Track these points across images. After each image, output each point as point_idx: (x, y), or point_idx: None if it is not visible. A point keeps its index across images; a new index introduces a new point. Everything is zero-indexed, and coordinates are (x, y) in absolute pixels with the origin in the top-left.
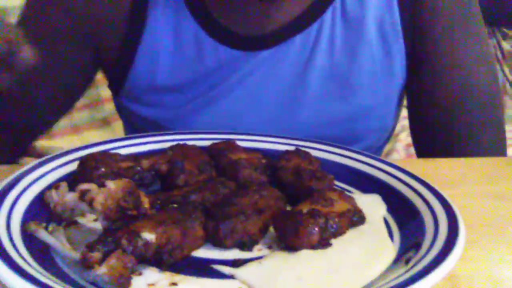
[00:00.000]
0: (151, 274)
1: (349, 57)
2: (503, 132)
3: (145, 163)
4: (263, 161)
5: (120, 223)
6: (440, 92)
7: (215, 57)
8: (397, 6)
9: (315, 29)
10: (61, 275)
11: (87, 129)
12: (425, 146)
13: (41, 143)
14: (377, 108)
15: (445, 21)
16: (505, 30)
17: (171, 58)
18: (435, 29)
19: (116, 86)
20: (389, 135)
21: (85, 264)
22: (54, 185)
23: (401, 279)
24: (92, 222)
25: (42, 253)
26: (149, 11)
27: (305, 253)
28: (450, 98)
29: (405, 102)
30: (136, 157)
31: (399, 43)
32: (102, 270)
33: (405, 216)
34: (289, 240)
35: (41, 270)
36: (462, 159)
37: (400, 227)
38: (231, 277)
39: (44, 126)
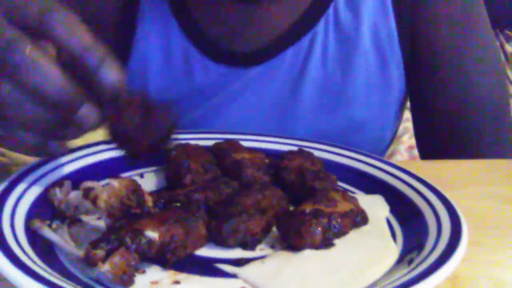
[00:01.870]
0: (154, 272)
1: (343, 69)
2: (509, 138)
3: None
4: (266, 161)
5: (124, 221)
6: (442, 100)
7: (205, 73)
8: (393, 14)
9: (307, 41)
10: (64, 272)
11: None
12: (429, 150)
13: None
14: (372, 120)
15: (447, 28)
16: (508, 32)
17: (161, 74)
18: (436, 36)
19: None
20: (388, 145)
21: (89, 261)
22: (58, 183)
23: (404, 279)
24: (95, 220)
25: (45, 250)
26: (137, 23)
27: (307, 253)
28: (453, 107)
29: (408, 104)
30: None
31: (395, 53)
32: (105, 268)
33: (408, 217)
34: (291, 240)
35: (45, 267)
36: (465, 161)
37: (403, 228)
38: (233, 276)
39: None
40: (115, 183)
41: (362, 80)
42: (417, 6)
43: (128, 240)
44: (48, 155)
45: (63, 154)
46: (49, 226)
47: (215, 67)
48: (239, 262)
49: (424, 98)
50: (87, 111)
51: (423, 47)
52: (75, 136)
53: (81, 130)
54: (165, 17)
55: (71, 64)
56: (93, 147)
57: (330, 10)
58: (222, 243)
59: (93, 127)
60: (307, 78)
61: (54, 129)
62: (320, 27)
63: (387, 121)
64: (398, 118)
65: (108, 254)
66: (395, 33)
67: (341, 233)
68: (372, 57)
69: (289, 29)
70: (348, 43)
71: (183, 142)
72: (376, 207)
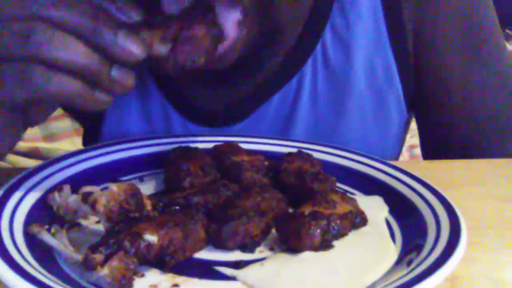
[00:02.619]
0: (153, 276)
1: (336, 110)
2: None
3: None
4: (265, 163)
5: (123, 225)
6: (448, 111)
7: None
8: (390, 47)
9: (295, 83)
10: (63, 277)
11: None
12: (433, 157)
13: (44, 145)
14: (370, 152)
15: (454, 51)
16: (508, 31)
17: (140, 132)
18: (443, 63)
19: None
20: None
21: (88, 265)
22: (57, 188)
23: (403, 280)
24: (94, 224)
25: (44, 254)
26: None
27: (307, 255)
28: (462, 124)
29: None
30: None
31: (394, 87)
32: (104, 272)
33: (407, 218)
34: (291, 242)
35: (44, 271)
36: (465, 161)
37: (402, 229)
38: (233, 278)
39: None
40: (114, 187)
41: (357, 119)
42: (420, 34)
43: (127, 244)
44: (93, 105)
45: (107, 104)
46: (48, 230)
47: (194, 127)
48: (238, 265)
49: (431, 116)
50: (126, 36)
51: (429, 74)
52: (124, 81)
53: (128, 62)
54: (142, 76)
55: None
56: (91, 151)
57: (318, 48)
58: (221, 245)
59: (139, 56)
60: (296, 121)
61: (101, 67)
62: (307, 67)
63: (386, 149)
64: (401, 140)
65: (107, 258)
66: (394, 67)
67: (340, 234)
68: (367, 94)
69: (274, 74)
70: (339, 81)
71: (182, 145)
72: (375, 208)
